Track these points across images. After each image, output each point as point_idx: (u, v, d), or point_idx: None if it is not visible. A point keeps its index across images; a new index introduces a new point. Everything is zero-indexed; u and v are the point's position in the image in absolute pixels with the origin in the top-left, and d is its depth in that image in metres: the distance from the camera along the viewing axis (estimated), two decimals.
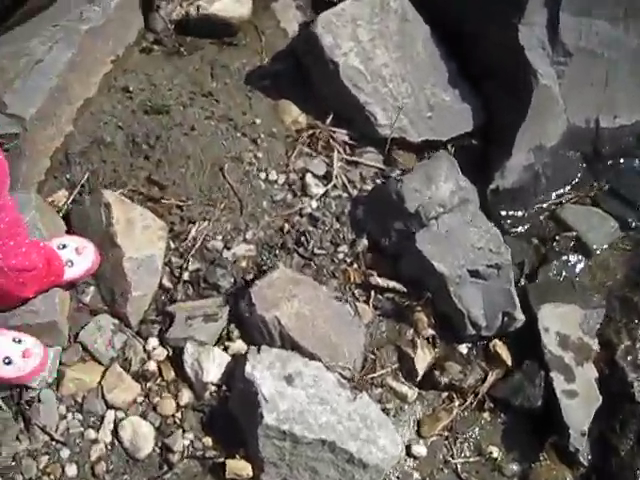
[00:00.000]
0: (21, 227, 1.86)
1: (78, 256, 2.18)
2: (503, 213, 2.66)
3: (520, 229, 2.66)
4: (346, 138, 2.71)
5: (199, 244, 2.44)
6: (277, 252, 2.46)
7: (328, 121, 2.72)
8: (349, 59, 2.64)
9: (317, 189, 2.59)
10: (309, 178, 2.61)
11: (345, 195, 2.60)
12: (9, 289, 1.95)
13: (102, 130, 2.61)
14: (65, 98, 2.51)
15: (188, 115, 2.69)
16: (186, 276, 2.38)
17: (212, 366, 2.17)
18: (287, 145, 2.69)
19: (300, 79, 2.84)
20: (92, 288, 2.30)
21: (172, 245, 2.44)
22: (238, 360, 2.19)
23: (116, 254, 2.28)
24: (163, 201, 2.49)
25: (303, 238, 2.48)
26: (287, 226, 2.51)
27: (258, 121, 2.72)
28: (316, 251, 2.47)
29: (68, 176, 2.54)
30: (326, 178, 2.63)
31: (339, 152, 2.67)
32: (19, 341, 2.02)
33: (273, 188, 2.60)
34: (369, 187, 2.62)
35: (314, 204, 2.56)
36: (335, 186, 2.61)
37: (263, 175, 2.61)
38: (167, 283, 2.37)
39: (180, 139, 2.62)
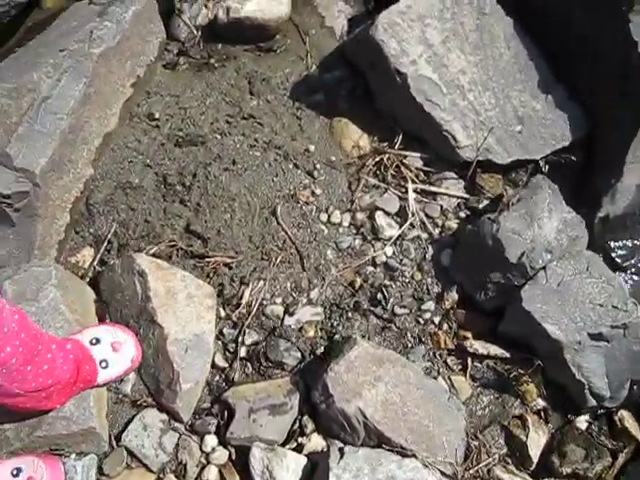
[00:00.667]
0: (39, 341, 1.45)
1: (115, 354, 1.77)
2: (612, 244, 2.20)
3: (633, 262, 2.20)
4: (420, 163, 2.24)
5: (255, 310, 2.03)
6: (349, 315, 2.04)
7: (397, 143, 2.25)
8: (419, 68, 2.15)
9: (391, 230, 2.14)
10: (380, 217, 2.16)
11: (425, 236, 2.15)
12: (31, 406, 1.59)
13: (127, 171, 2.20)
14: (80, 138, 2.10)
15: (227, 145, 2.25)
16: (243, 352, 1.99)
17: (286, 475, 1.77)
18: (349, 176, 2.24)
19: (357, 90, 2.37)
20: (133, 375, 1.92)
21: (223, 313, 2.04)
22: (317, 464, 1.79)
23: (158, 335, 1.89)
24: (207, 258, 2.07)
25: (380, 295, 2.05)
26: (359, 280, 2.08)
27: (312, 148, 2.26)
28: (397, 310, 2.04)
29: (92, 230, 2.16)
30: (400, 215, 2.17)
31: (413, 181, 2.20)
32: (17, 473, 1.64)
33: (338, 232, 2.16)
34: (453, 224, 2.16)
35: (389, 250, 2.12)
36: (412, 225, 2.16)
37: (324, 217, 2.17)
38: (221, 362, 1.99)
39: (220, 176, 2.19)
